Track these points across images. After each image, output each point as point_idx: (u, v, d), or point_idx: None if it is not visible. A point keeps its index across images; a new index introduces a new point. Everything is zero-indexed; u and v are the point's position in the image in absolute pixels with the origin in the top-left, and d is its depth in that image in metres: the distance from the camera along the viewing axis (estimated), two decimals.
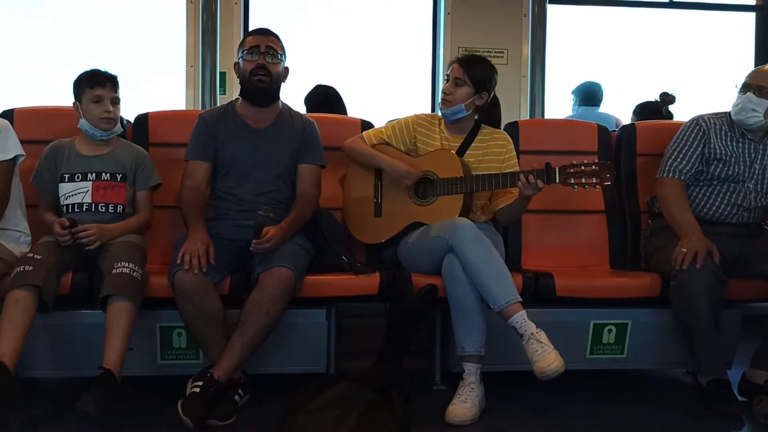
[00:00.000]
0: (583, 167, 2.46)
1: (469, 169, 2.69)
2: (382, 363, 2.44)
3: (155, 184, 2.72)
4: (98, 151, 2.66)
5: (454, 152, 2.74)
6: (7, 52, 5.02)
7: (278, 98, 2.74)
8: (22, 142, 2.57)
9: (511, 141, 2.85)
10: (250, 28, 4.01)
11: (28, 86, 4.98)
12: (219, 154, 2.67)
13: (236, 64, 2.68)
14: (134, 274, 2.32)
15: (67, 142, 2.69)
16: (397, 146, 2.84)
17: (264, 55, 2.60)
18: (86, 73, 2.63)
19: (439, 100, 2.80)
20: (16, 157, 2.54)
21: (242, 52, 2.64)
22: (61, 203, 2.61)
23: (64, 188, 2.61)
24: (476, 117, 2.85)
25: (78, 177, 2.61)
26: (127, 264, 2.32)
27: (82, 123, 2.64)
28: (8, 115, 2.89)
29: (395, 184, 2.75)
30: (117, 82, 2.66)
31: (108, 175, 2.62)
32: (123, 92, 2.71)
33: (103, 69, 2.65)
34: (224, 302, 2.40)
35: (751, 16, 5.51)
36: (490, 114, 2.89)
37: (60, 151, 2.65)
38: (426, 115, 2.90)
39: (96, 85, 2.60)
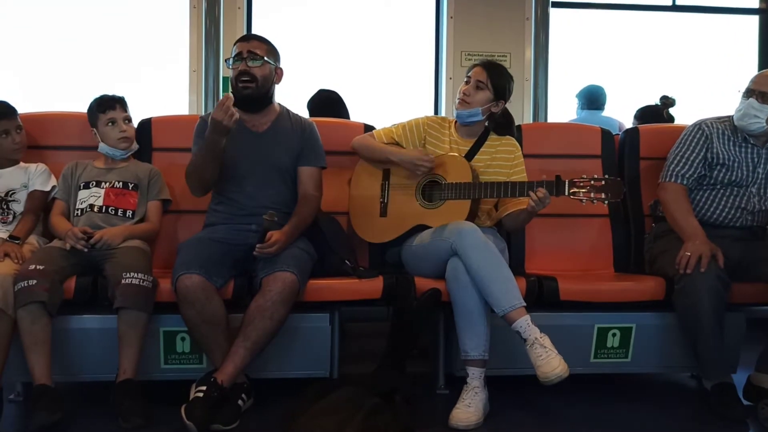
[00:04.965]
0: (592, 182, 2.45)
1: (478, 175, 2.69)
2: (385, 367, 2.43)
3: (165, 198, 2.78)
4: (114, 166, 2.78)
5: (463, 157, 2.73)
6: (8, 56, 5.04)
7: (271, 101, 2.74)
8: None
9: (520, 148, 2.84)
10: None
11: (29, 91, 5.00)
12: None
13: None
14: (144, 283, 2.34)
15: (87, 161, 2.80)
16: (406, 147, 2.83)
17: (246, 60, 2.62)
18: (95, 100, 2.78)
19: (456, 100, 2.77)
20: (52, 189, 2.75)
21: (229, 61, 2.67)
22: (76, 207, 2.68)
23: (80, 195, 2.70)
24: (486, 124, 2.84)
25: (93, 184, 2.71)
26: (136, 274, 2.34)
27: (102, 147, 2.77)
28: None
29: (409, 178, 2.73)
30: (125, 102, 2.79)
31: (120, 183, 2.72)
32: (125, 95, 2.81)
33: (109, 94, 2.78)
34: (227, 307, 2.40)
35: (755, 19, 5.51)
36: (505, 125, 2.87)
37: (80, 166, 2.78)
38: (437, 117, 2.91)
39: (107, 109, 2.73)
